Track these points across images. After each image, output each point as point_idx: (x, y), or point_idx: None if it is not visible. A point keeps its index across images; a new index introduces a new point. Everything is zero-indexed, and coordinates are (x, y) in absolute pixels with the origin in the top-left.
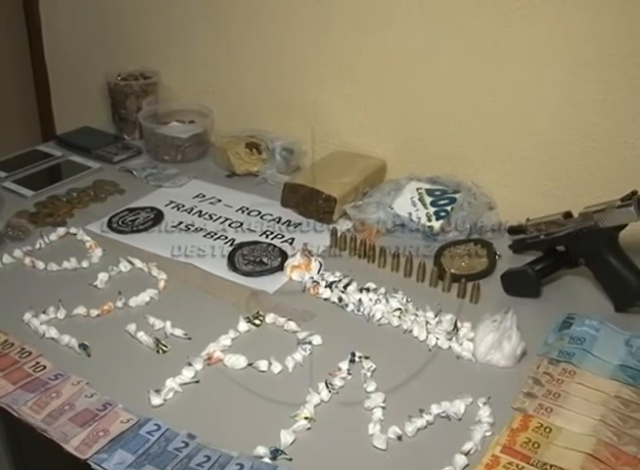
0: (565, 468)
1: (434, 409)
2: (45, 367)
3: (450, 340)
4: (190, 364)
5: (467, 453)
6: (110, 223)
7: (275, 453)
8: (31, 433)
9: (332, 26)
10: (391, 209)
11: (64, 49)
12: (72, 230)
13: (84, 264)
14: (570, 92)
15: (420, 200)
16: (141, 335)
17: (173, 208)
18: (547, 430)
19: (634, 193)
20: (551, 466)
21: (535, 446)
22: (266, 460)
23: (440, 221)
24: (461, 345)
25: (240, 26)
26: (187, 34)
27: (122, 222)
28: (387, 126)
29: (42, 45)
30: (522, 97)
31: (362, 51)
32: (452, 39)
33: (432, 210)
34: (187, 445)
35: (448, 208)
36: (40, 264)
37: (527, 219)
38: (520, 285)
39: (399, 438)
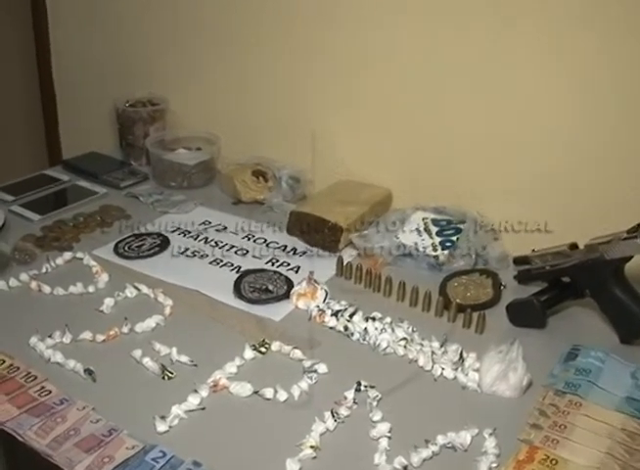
0: None
1: (440, 440)
2: (50, 392)
3: (456, 370)
4: (196, 391)
5: None
6: (116, 249)
7: None
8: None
9: (339, 58)
10: (397, 238)
11: (72, 74)
12: (79, 255)
13: (90, 289)
14: (574, 126)
15: (425, 229)
16: (147, 361)
17: (179, 234)
18: (553, 462)
19: None
20: None
21: None
22: None
23: (446, 251)
24: (467, 375)
25: (248, 56)
26: (195, 62)
27: (129, 248)
28: (392, 156)
29: (51, 69)
30: (527, 130)
31: (368, 82)
32: (458, 71)
33: (437, 239)
34: None
35: (454, 237)
36: (46, 289)
37: (533, 250)
38: (525, 315)
39: (405, 468)
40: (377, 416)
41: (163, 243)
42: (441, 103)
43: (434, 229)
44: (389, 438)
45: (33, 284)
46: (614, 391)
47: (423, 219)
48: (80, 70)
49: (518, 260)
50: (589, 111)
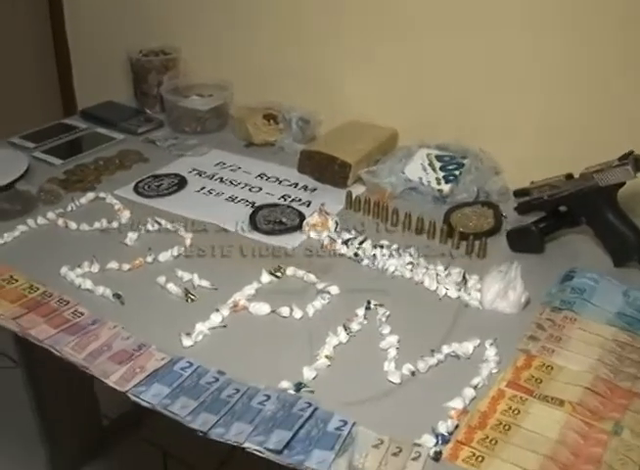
0: (565, 399)
1: (445, 349)
2: (83, 314)
3: (459, 290)
4: (217, 310)
5: (475, 387)
6: (136, 188)
7: (299, 386)
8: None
9: (346, 4)
10: (403, 173)
11: (85, 25)
12: (101, 195)
13: (114, 225)
14: (566, 61)
15: (430, 165)
16: (170, 286)
17: (195, 175)
18: (549, 368)
19: (630, 153)
20: (552, 398)
21: (538, 381)
22: (290, 392)
23: (450, 185)
24: (469, 294)
25: (257, 4)
26: (206, 10)
27: (148, 187)
28: (397, 98)
29: (64, 21)
30: (523, 66)
31: (374, 27)
32: (459, 12)
33: (441, 174)
34: (217, 379)
35: (457, 172)
36: (73, 225)
37: (532, 182)
38: (524, 242)
39: (413, 374)
40: (386, 330)
41: (181, 182)
42: (442, 45)
43: (437, 164)
44: (398, 348)
45: (60, 221)
46: (606, 307)
47: (427, 155)
48: (92, 21)
49: (518, 193)
50: (586, 49)
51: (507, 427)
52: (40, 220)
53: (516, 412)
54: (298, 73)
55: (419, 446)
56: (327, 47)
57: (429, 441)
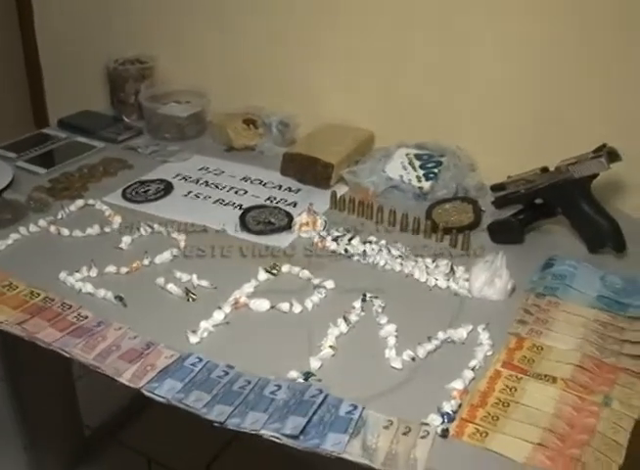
0: (557, 376)
1: (441, 335)
2: (87, 317)
3: (448, 281)
4: (219, 308)
5: (473, 369)
6: (124, 194)
7: (307, 375)
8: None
9: (319, 10)
10: (384, 172)
11: (56, 36)
12: (90, 201)
13: (107, 230)
14: (540, 58)
15: (410, 164)
16: (170, 286)
17: (181, 180)
18: (539, 348)
19: (604, 146)
20: (545, 376)
21: (530, 361)
22: (300, 381)
23: (430, 182)
24: (458, 284)
25: (232, 10)
26: (181, 18)
27: (136, 193)
28: (374, 100)
29: (34, 31)
30: (493, 65)
31: (348, 32)
32: (430, 14)
33: (421, 172)
34: (227, 373)
35: (436, 170)
36: (65, 231)
37: (508, 177)
38: (504, 233)
39: (413, 359)
40: (383, 320)
41: (167, 187)
42: (417, 49)
43: (417, 163)
44: (396, 336)
45: (52, 228)
46: (586, 291)
47: (406, 155)
48: (65, 30)
49: (495, 188)
50: (556, 45)
51: (506, 404)
52: (32, 228)
53: (513, 390)
54: (275, 78)
55: (427, 425)
56: (303, 51)
57: (435, 420)
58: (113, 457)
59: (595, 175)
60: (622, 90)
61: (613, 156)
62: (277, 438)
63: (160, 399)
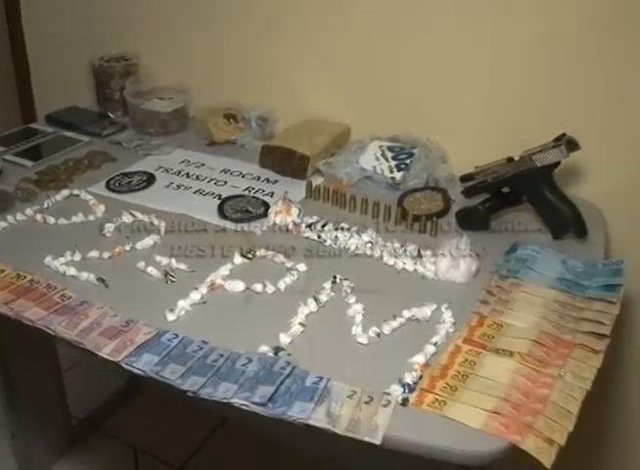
0: (514, 351)
1: (406, 314)
2: (71, 297)
3: (415, 264)
4: (196, 289)
5: (435, 344)
6: (108, 185)
7: (277, 350)
8: None
9: (296, 6)
10: (358, 164)
11: (43, 33)
12: (75, 192)
13: (91, 218)
14: (504, 49)
15: (382, 155)
16: (150, 269)
17: (162, 171)
18: (499, 326)
19: (564, 135)
20: (503, 350)
21: (490, 337)
22: (270, 355)
23: (401, 172)
24: (424, 267)
25: (212, 7)
26: (165, 16)
27: (119, 184)
28: (350, 94)
29: (22, 28)
30: (465, 62)
31: (325, 30)
32: (406, 9)
33: (393, 163)
34: (202, 348)
35: (407, 161)
36: (51, 220)
37: (476, 167)
38: (472, 220)
39: (378, 335)
40: (351, 300)
41: (150, 179)
42: (389, 46)
43: (389, 154)
44: (363, 315)
45: (38, 217)
46: (547, 273)
47: (379, 147)
48: (52, 27)
49: (464, 178)
50: (524, 39)
51: (465, 376)
52: (19, 217)
53: (472, 364)
54: (257, 75)
55: (388, 394)
56: (283, 50)
57: (396, 390)
58: (99, 446)
59: (557, 164)
60: (578, 84)
61: (572, 144)
62: (246, 406)
63: (139, 372)
